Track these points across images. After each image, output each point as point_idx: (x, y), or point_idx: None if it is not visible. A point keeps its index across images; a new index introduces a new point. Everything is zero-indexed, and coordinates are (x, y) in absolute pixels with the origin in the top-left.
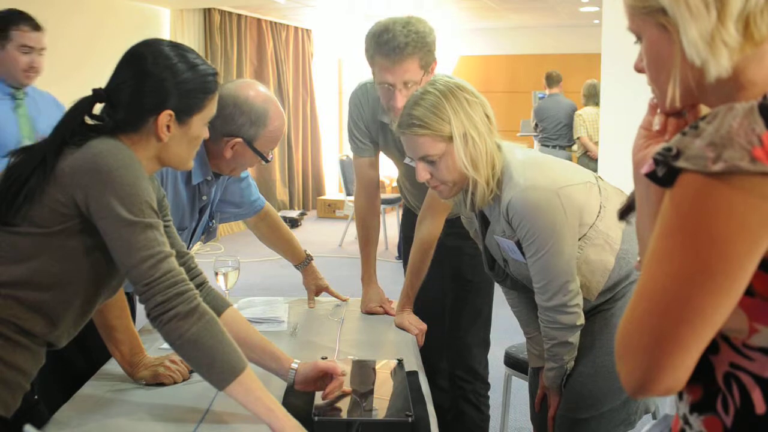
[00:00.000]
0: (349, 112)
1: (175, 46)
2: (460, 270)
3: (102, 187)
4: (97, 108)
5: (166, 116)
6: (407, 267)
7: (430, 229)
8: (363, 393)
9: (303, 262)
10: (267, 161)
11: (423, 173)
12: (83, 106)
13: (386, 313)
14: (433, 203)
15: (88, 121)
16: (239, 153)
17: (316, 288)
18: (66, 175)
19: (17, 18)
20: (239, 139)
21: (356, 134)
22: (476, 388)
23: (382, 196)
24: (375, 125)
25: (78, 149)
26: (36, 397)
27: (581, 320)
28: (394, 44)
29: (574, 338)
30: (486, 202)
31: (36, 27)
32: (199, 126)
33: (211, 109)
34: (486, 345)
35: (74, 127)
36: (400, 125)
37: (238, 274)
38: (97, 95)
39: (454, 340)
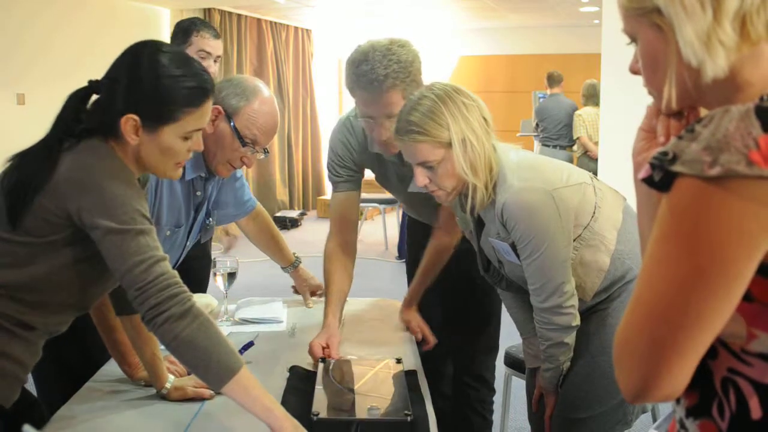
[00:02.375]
0: (333, 150)
1: (174, 54)
2: (470, 274)
3: (92, 200)
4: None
5: (129, 120)
6: (419, 266)
7: (447, 236)
8: (362, 392)
9: (293, 264)
10: (244, 144)
11: (421, 179)
12: (77, 99)
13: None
14: (452, 217)
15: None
16: (220, 132)
17: (309, 288)
18: (59, 185)
19: (200, 24)
20: (218, 108)
21: (339, 171)
22: (481, 396)
23: (382, 196)
24: (369, 157)
25: (70, 153)
26: (36, 397)
27: (576, 321)
28: (372, 76)
29: (570, 339)
30: (484, 206)
31: (216, 35)
32: (172, 138)
33: (188, 124)
34: (494, 351)
35: (69, 124)
36: (397, 131)
37: (237, 274)
38: (93, 87)
39: (462, 345)
